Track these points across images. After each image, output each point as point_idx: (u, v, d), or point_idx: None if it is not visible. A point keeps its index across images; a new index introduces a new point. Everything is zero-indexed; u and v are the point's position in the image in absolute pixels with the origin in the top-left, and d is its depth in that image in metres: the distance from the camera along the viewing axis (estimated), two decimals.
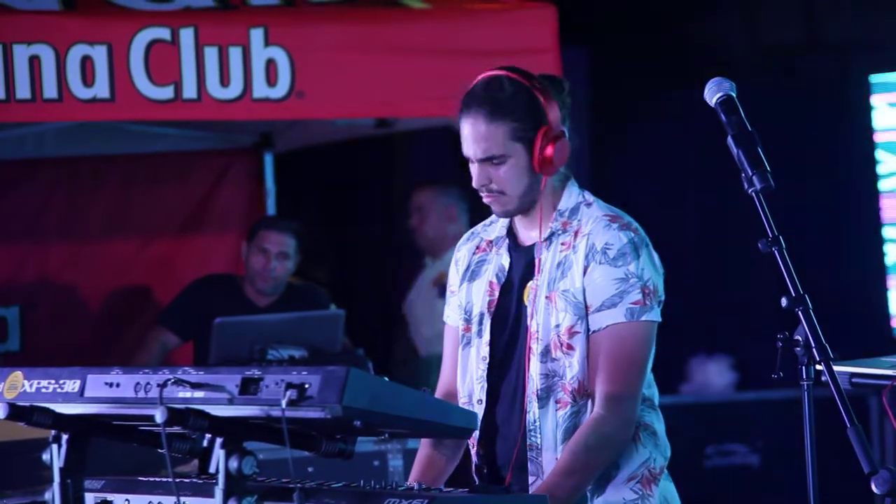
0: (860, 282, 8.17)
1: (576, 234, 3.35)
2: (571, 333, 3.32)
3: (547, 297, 3.35)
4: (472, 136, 3.34)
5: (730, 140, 2.97)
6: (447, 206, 7.08)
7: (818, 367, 2.82)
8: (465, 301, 3.50)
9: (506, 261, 3.45)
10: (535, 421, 3.35)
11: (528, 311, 3.37)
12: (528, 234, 3.43)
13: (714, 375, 7.99)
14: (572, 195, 3.41)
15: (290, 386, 2.68)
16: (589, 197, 3.43)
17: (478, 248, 3.53)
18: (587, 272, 3.31)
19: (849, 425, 2.74)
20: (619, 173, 8.55)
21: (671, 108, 7.91)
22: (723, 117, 3.00)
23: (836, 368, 2.81)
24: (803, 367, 2.83)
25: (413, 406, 2.82)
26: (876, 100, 7.91)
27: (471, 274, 3.51)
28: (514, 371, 3.39)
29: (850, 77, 8.26)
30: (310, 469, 4.90)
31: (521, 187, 3.35)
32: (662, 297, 3.35)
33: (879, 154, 7.95)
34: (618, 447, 3.32)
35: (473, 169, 3.37)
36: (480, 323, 3.45)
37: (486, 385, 3.43)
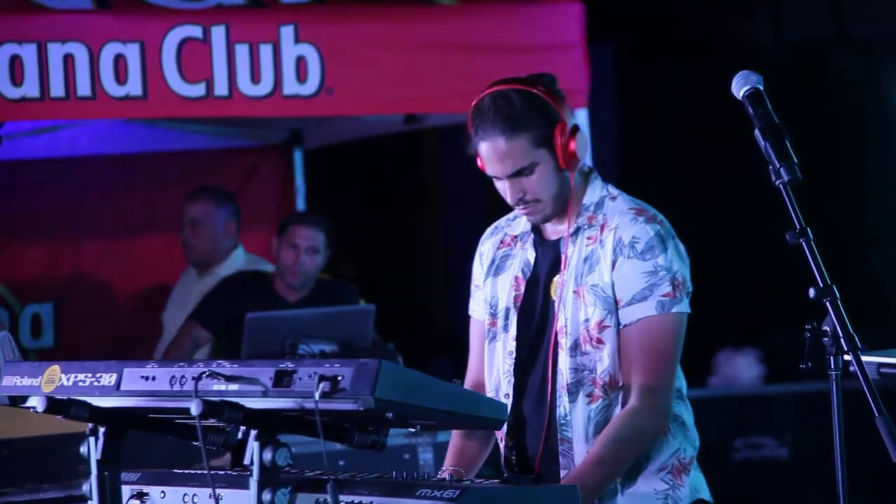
0: (889, 273, 8.15)
1: (602, 227, 3.36)
2: (601, 328, 3.33)
3: (575, 292, 3.35)
4: (496, 155, 3.33)
5: (757, 132, 2.97)
6: (226, 220, 6.58)
7: (846, 357, 2.82)
8: (491, 296, 3.51)
9: (531, 255, 3.46)
10: (566, 415, 3.35)
11: (556, 305, 3.38)
12: (554, 228, 3.44)
13: (742, 368, 7.97)
14: (596, 189, 3.41)
15: (323, 378, 2.69)
16: (613, 190, 3.43)
17: (502, 242, 3.53)
18: (616, 266, 3.31)
19: (877, 415, 2.74)
20: (646, 168, 8.55)
21: (698, 104, 7.91)
22: (750, 110, 3.00)
23: (864, 358, 2.80)
24: (831, 358, 2.83)
25: (444, 398, 2.82)
26: None
27: (496, 269, 3.52)
28: (542, 365, 3.39)
29: (877, 71, 8.24)
30: (341, 463, 4.93)
31: (554, 189, 3.35)
32: (691, 288, 3.35)
33: None
34: (651, 439, 3.33)
35: (503, 186, 3.37)
36: (507, 318, 3.46)
37: (513, 379, 3.43)
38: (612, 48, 8.52)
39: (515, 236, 3.51)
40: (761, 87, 3.02)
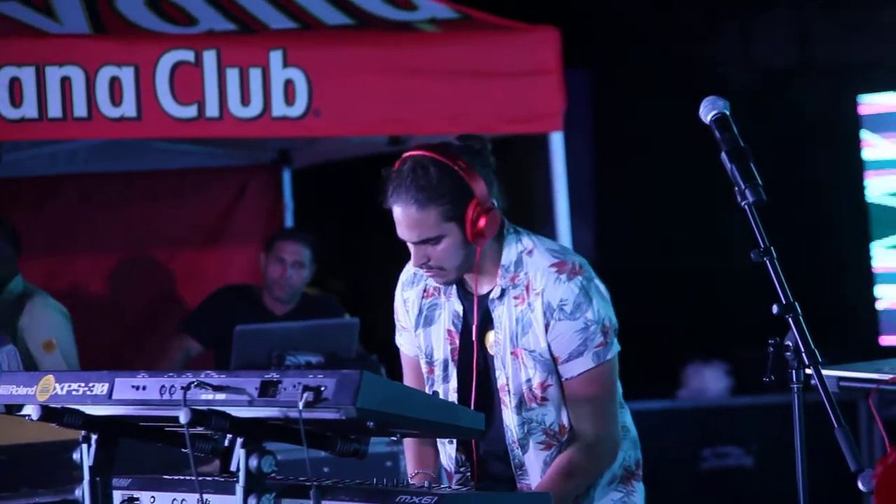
0: (851, 290, 8.18)
1: (527, 288, 3.30)
2: (544, 387, 3.32)
3: (512, 353, 3.32)
4: (405, 222, 3.28)
5: (723, 155, 2.98)
6: None
7: (808, 370, 2.83)
8: (425, 345, 3.45)
9: (459, 307, 3.40)
10: (521, 465, 3.35)
11: (495, 362, 3.35)
12: (478, 283, 3.37)
13: (710, 381, 7.97)
14: (511, 247, 3.34)
15: (306, 388, 2.70)
16: (527, 242, 3.35)
17: (425, 291, 3.46)
18: (549, 330, 3.29)
19: (836, 426, 2.75)
20: (621, 189, 8.57)
21: (670, 128, 7.93)
22: (717, 134, 3.01)
23: (824, 372, 2.81)
24: (793, 371, 2.84)
25: (424, 407, 2.83)
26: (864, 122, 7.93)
27: (425, 319, 3.46)
28: (489, 420, 3.34)
29: (841, 96, 8.27)
30: (325, 469, 4.92)
31: (459, 260, 3.30)
32: (617, 325, 3.34)
33: (867, 166, 7.96)
34: (605, 467, 3.37)
35: (411, 248, 3.32)
36: (445, 369, 3.42)
37: None
38: (587, 72, 8.53)
39: (438, 287, 3.44)
40: (728, 112, 3.03)
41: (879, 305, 7.79)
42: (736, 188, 2.96)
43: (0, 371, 4.85)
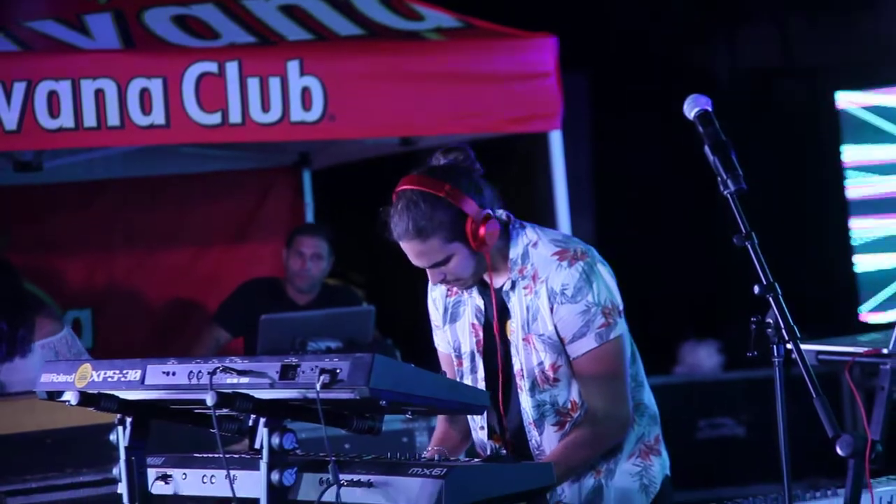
0: (830, 272, 8.17)
1: (534, 278, 3.31)
2: (555, 368, 3.31)
3: (524, 339, 3.33)
4: (412, 253, 3.30)
5: (707, 148, 2.97)
6: None
7: (788, 346, 2.82)
8: (453, 340, 3.47)
9: (480, 302, 3.41)
10: (538, 445, 3.35)
11: (511, 349, 3.35)
12: (493, 278, 3.39)
13: (704, 358, 7.98)
14: (517, 241, 3.35)
15: (323, 371, 2.70)
16: (531, 235, 3.35)
17: (449, 290, 3.48)
18: (554, 313, 3.28)
19: (815, 396, 2.75)
20: (617, 184, 8.57)
21: (663, 125, 7.92)
22: (700, 128, 2.99)
23: (803, 347, 2.81)
24: (774, 346, 2.84)
25: (431, 386, 2.83)
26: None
27: (451, 316, 3.48)
28: (509, 403, 3.37)
29: (819, 96, 8.26)
30: (346, 446, 4.94)
31: (472, 269, 3.32)
32: (621, 306, 3.32)
33: (846, 157, 7.94)
34: (613, 443, 3.35)
35: (427, 272, 3.34)
36: (472, 360, 3.43)
37: (485, 413, 3.39)
38: (585, 76, 8.53)
39: None
40: (710, 108, 3.01)
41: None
42: (719, 178, 2.95)
43: (57, 357, 4.87)
